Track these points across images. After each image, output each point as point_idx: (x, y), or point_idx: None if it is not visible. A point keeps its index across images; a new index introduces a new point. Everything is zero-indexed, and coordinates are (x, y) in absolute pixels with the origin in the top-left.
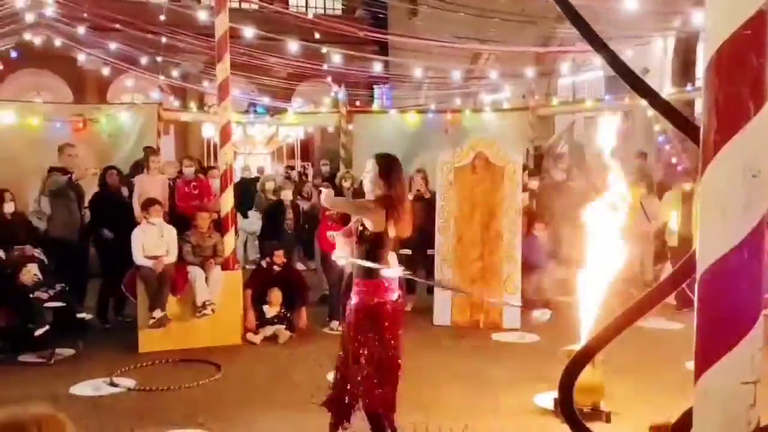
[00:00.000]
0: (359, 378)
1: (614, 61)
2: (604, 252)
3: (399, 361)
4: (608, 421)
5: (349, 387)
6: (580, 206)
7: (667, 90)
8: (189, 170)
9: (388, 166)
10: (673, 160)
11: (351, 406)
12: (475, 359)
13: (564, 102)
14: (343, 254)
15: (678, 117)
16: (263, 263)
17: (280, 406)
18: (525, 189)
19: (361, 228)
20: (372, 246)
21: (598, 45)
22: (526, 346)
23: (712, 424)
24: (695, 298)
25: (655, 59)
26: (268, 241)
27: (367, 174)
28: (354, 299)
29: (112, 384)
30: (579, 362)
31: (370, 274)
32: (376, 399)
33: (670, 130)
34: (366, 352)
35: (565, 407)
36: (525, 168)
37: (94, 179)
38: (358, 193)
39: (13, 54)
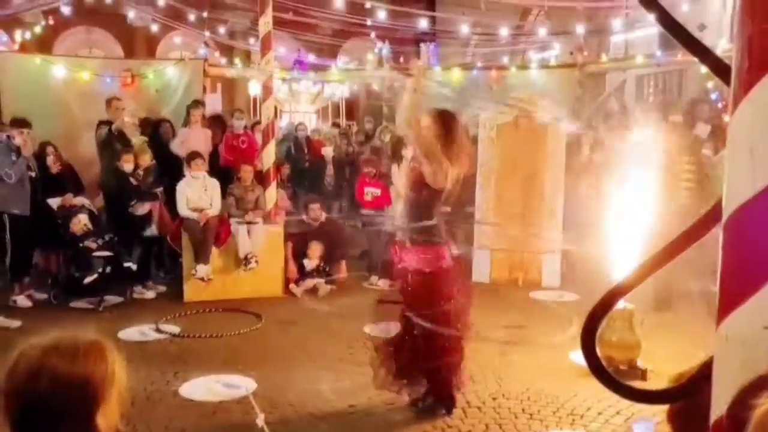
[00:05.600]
0: (429, 351)
1: (663, 17)
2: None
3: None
4: (644, 378)
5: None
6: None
7: (723, 46)
8: (239, 123)
9: (447, 122)
10: (726, 118)
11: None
12: (512, 316)
13: (614, 59)
14: None
15: (729, 73)
16: (303, 217)
17: (318, 356)
18: None
19: (416, 183)
20: (427, 204)
21: (648, 1)
22: (565, 304)
23: (732, 369)
24: (720, 243)
25: (712, 14)
26: (309, 196)
27: (425, 130)
28: (413, 267)
29: (158, 330)
30: (600, 311)
31: (429, 240)
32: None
33: (722, 87)
34: (432, 323)
35: (589, 357)
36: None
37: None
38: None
39: (66, 11)
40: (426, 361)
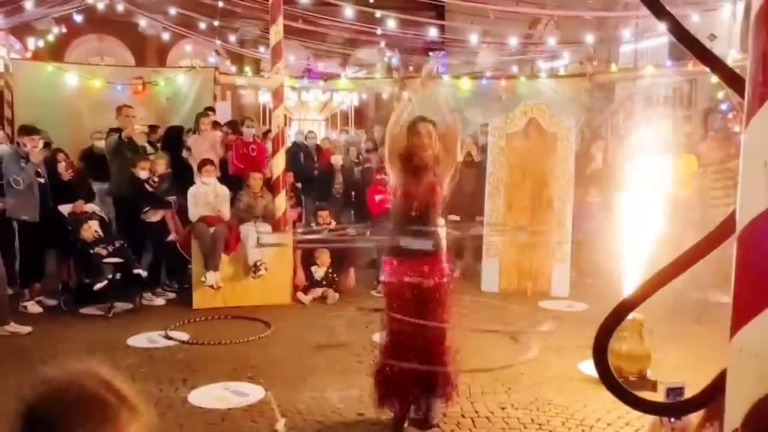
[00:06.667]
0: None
1: (675, 27)
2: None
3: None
4: (654, 389)
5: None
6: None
7: (733, 56)
8: (249, 131)
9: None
10: (736, 129)
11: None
12: (521, 326)
13: (623, 69)
14: None
15: (743, 86)
16: (313, 225)
17: (327, 365)
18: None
19: (427, 192)
20: (437, 211)
21: (660, 11)
22: (574, 314)
23: (746, 383)
24: (733, 256)
25: (722, 25)
26: (318, 203)
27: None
28: (426, 278)
29: (167, 337)
30: (611, 324)
31: (438, 249)
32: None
33: (733, 96)
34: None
35: (601, 370)
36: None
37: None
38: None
39: (77, 19)
40: (416, 371)
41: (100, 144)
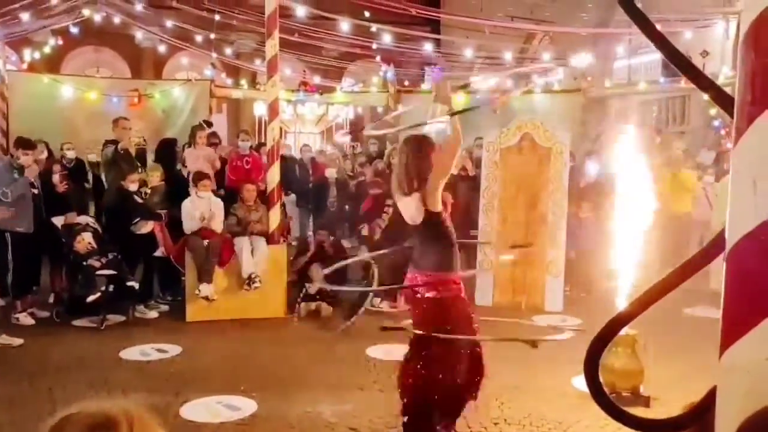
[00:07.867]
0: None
1: (664, 46)
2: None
3: None
4: (648, 405)
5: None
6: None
7: (726, 73)
8: (244, 144)
9: None
10: (728, 145)
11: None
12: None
13: (617, 84)
14: None
15: (731, 104)
16: (308, 238)
17: (320, 378)
18: None
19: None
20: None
21: (648, 29)
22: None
23: (736, 400)
24: (723, 273)
25: (715, 42)
26: (315, 219)
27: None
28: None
29: (160, 350)
30: (603, 339)
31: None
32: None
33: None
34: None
35: (592, 385)
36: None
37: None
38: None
39: (74, 30)
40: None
41: (71, 154)
